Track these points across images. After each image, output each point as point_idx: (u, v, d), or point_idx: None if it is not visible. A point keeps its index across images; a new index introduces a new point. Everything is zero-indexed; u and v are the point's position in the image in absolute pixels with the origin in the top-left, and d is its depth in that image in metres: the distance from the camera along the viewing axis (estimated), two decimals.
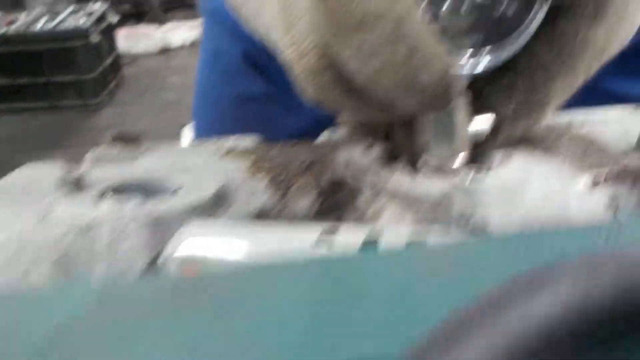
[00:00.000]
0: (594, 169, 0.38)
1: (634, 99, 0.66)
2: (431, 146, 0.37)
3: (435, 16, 0.33)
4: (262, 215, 0.34)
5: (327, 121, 0.45)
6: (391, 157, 0.39)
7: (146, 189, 0.37)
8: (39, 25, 3.55)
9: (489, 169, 0.37)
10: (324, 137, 0.49)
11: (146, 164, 0.44)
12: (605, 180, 0.36)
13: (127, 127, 3.36)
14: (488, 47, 0.35)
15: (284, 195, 0.36)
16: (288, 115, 0.71)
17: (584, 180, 0.36)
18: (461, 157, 0.36)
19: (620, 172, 0.36)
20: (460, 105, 0.35)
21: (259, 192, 0.36)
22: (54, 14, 3.64)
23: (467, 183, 0.34)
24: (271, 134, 0.73)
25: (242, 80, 0.74)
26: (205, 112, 0.80)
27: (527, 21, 0.35)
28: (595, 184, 0.36)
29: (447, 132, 0.36)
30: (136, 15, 4.68)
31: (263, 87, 0.70)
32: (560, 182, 0.35)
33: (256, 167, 0.40)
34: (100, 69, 3.58)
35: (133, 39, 4.25)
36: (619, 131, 0.44)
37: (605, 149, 0.40)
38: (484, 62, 0.35)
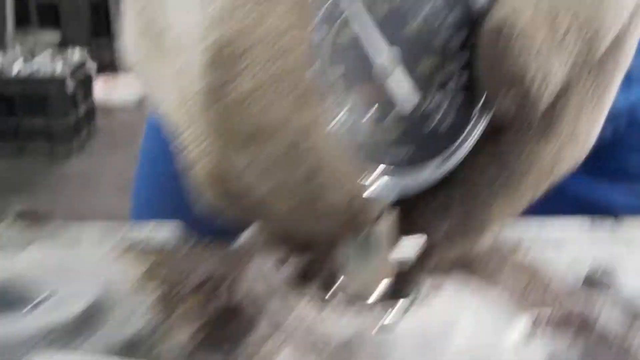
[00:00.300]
0: (536, 308, 0.33)
1: (594, 202, 0.62)
2: (348, 270, 0.31)
3: (354, 127, 0.28)
4: (131, 348, 0.28)
5: None
6: (306, 275, 0.34)
7: (7, 298, 0.31)
8: (14, 68, 3.50)
9: (413, 301, 0.31)
10: (247, 234, 0.44)
11: (30, 258, 0.38)
12: (547, 324, 0.31)
13: (95, 176, 3.29)
14: (417, 163, 0.30)
15: (166, 319, 0.30)
16: None
17: (521, 325, 0.31)
18: (382, 285, 0.31)
19: (563, 318, 0.31)
20: (382, 226, 0.30)
21: (139, 313, 0.30)
22: (30, 58, 3.60)
23: (380, 324, 0.28)
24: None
25: None
26: (145, 185, 0.75)
27: (463, 136, 0.30)
28: (534, 328, 0.31)
29: (366, 256, 0.31)
30: (116, 64, 4.66)
31: None
32: (494, 327, 0.30)
33: (150, 274, 0.35)
34: (74, 117, 3.53)
35: (111, 88, 4.22)
36: (570, 258, 0.39)
37: (550, 283, 0.35)
38: (412, 180, 0.30)
